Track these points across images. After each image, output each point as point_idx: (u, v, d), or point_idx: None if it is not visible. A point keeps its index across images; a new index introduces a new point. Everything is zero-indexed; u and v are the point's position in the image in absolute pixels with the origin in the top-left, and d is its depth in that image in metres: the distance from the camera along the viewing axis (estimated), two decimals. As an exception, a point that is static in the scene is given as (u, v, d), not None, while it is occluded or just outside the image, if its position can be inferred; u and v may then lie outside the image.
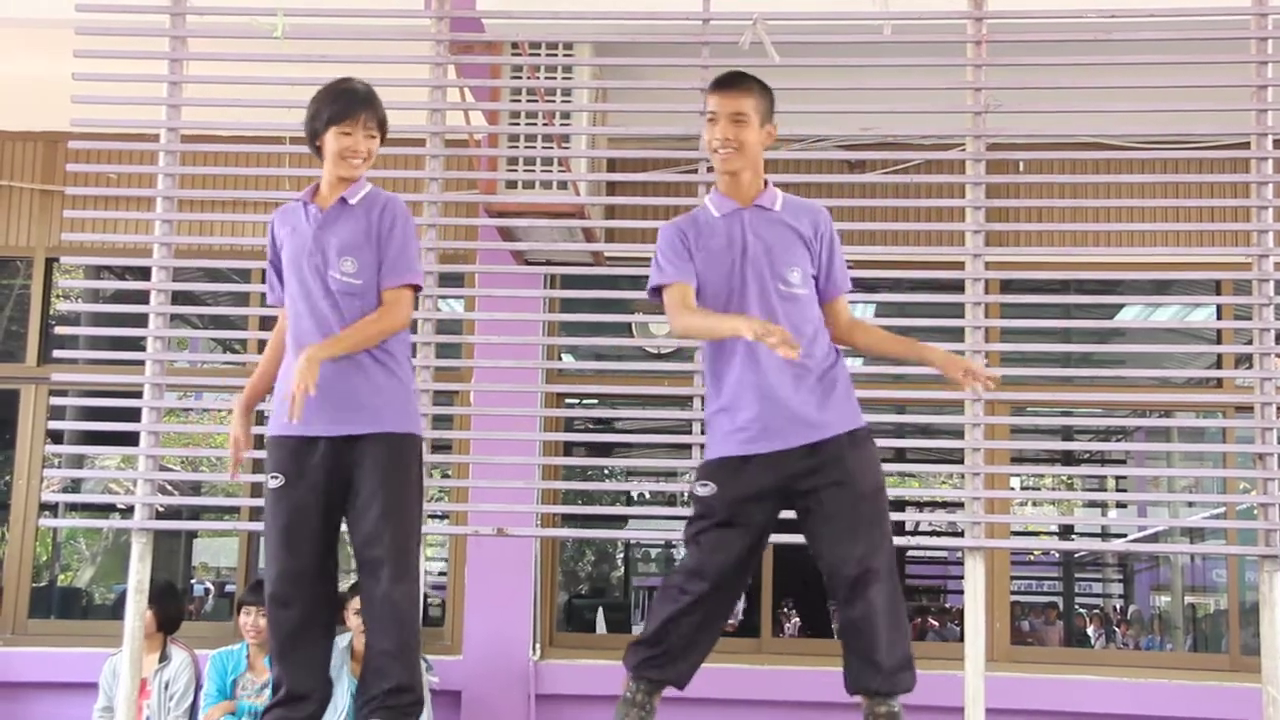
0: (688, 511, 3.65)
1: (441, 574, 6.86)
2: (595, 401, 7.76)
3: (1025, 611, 9.93)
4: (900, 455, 9.18)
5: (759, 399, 3.51)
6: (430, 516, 5.22)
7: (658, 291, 3.62)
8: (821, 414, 3.51)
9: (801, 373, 3.51)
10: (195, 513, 7.71)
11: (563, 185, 5.83)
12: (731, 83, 3.64)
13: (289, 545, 3.66)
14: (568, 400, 6.77)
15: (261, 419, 4.14)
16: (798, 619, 9.08)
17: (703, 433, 4.91)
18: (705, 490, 3.56)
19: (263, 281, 3.97)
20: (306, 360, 3.46)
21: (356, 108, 3.68)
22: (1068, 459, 10.43)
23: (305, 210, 3.74)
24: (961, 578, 5.08)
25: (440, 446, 5.47)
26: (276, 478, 3.66)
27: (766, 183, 3.69)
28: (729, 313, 3.52)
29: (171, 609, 6.07)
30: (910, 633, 3.68)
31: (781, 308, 3.55)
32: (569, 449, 6.74)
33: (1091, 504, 11.33)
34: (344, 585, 7.69)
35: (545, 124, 5.60)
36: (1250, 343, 4.90)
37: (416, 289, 3.78)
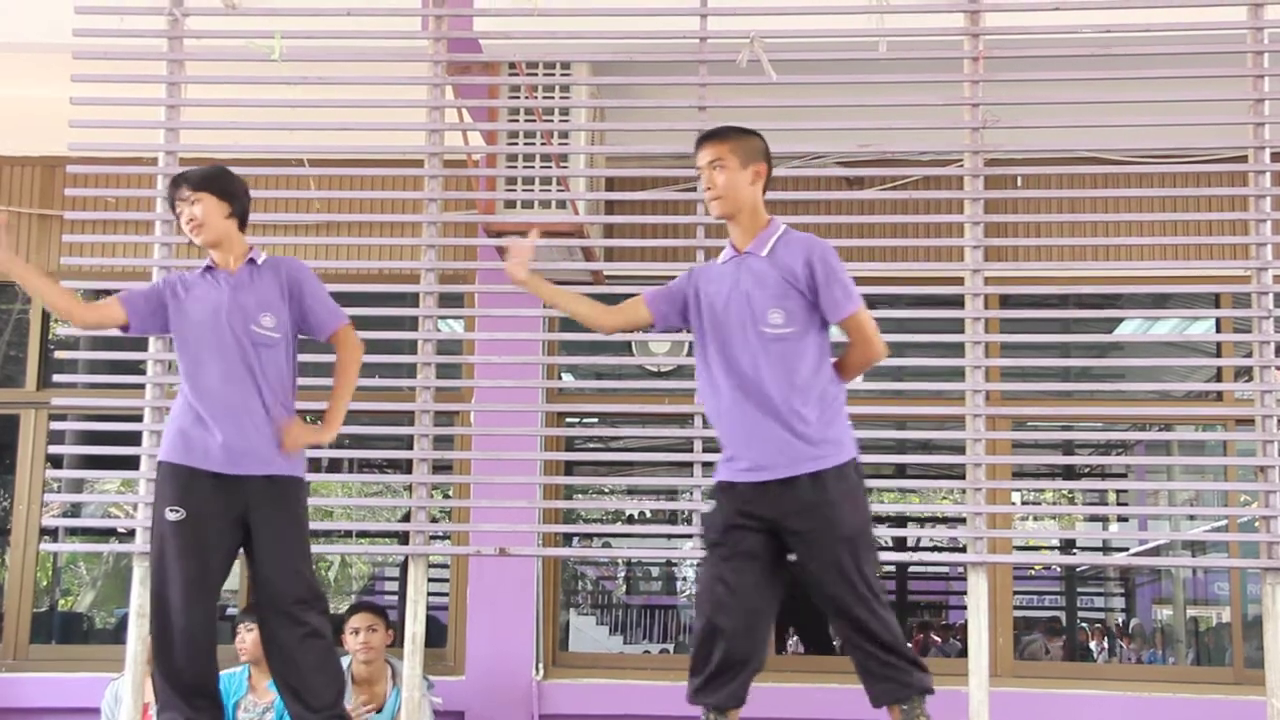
0: (687, 529, 3.67)
1: (443, 594, 6.83)
2: (596, 420, 7.75)
3: (1030, 627, 9.90)
4: (901, 471, 9.17)
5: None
6: (432, 537, 5.20)
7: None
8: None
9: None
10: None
11: (561, 204, 5.83)
12: (708, 135, 3.78)
13: (198, 573, 3.99)
14: (568, 419, 6.76)
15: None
16: (796, 636, 9.04)
17: (705, 450, 4.93)
18: None
19: None
20: (325, 434, 4.10)
21: (172, 190, 4.09)
22: (1068, 473, 10.43)
23: (212, 275, 4.09)
24: (963, 593, 5.07)
25: (441, 467, 5.46)
26: (176, 510, 3.96)
27: (770, 222, 3.73)
28: (722, 357, 3.64)
29: (173, 632, 6.03)
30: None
31: (768, 350, 3.60)
32: (570, 468, 6.73)
33: (1093, 518, 11.31)
34: (343, 606, 7.76)
35: (544, 143, 5.61)
36: (1250, 355, 4.90)
37: (352, 323, 4.19)
